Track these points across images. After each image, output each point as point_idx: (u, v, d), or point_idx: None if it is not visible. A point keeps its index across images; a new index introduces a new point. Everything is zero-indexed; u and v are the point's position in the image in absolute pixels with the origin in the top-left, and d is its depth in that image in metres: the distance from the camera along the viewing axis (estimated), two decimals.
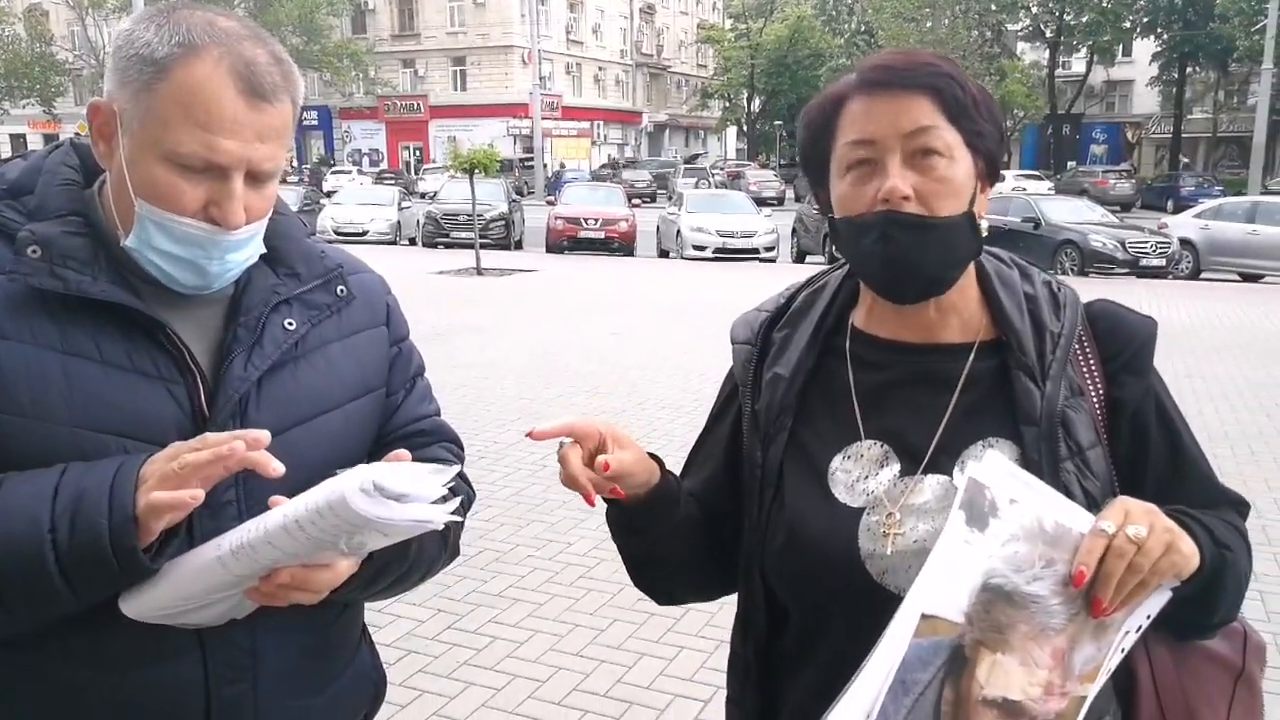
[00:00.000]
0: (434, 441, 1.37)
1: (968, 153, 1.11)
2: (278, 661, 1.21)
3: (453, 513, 1.05)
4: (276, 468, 1.02)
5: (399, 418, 1.35)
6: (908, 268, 1.11)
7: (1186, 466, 1.18)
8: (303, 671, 1.25)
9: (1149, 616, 1.03)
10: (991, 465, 0.98)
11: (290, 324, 1.22)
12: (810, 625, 1.20)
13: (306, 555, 1.05)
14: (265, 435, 1.03)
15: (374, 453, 1.30)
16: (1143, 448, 1.16)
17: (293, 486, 1.14)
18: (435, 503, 1.04)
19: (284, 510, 1.03)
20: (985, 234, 1.16)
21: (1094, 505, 1.08)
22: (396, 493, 1.01)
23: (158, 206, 1.09)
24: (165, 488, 0.99)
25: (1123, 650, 1.03)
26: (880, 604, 1.03)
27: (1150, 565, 0.96)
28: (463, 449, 1.43)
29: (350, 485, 0.98)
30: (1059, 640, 0.99)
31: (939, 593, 0.96)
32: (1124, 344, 1.17)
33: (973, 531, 0.96)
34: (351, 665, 1.35)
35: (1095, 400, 1.15)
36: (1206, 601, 1.09)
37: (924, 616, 0.95)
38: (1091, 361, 1.17)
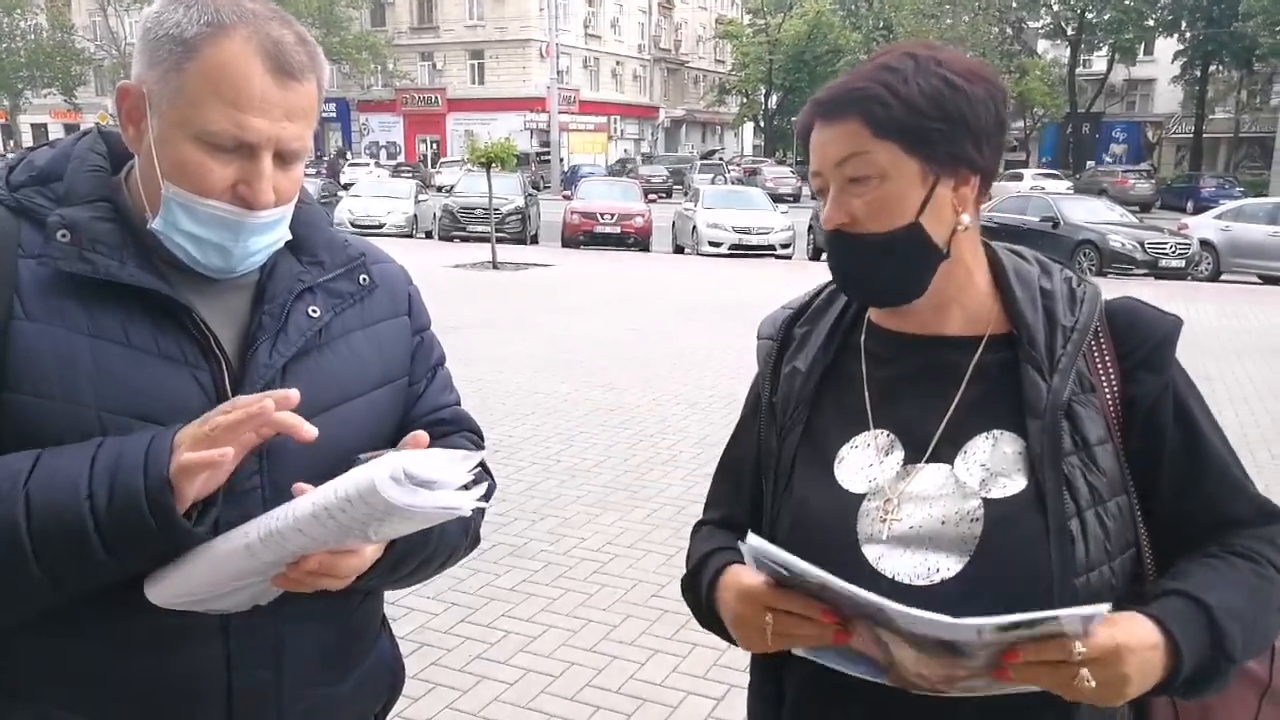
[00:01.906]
0: (455, 431, 1.38)
1: (910, 160, 1.11)
2: (300, 650, 1.22)
3: (477, 500, 1.06)
4: (309, 431, 1.05)
5: (420, 407, 1.36)
6: (860, 281, 1.19)
7: (1206, 469, 1.15)
8: (325, 660, 1.26)
9: None
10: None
11: (314, 311, 1.23)
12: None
13: (335, 542, 1.06)
14: (294, 394, 1.05)
15: (396, 441, 1.30)
16: (1157, 447, 1.14)
17: (317, 473, 1.15)
18: (460, 489, 1.05)
19: (312, 498, 1.04)
20: (963, 228, 1.15)
21: (1098, 498, 1.10)
22: (425, 479, 1.01)
23: (185, 188, 1.10)
24: (197, 449, 1.01)
25: None
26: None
27: (1078, 697, 0.97)
28: (483, 438, 1.44)
29: (380, 473, 0.99)
30: (954, 670, 1.01)
31: (918, 620, 0.97)
32: (1141, 340, 1.16)
33: (992, 633, 0.96)
34: (372, 654, 1.36)
35: (1109, 397, 1.15)
36: (1189, 696, 1.09)
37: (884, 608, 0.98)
38: (1107, 357, 1.16)
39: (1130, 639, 0.98)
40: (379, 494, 0.98)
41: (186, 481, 1.02)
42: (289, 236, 1.21)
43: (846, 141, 1.12)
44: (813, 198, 1.27)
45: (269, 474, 1.15)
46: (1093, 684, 0.94)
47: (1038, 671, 0.96)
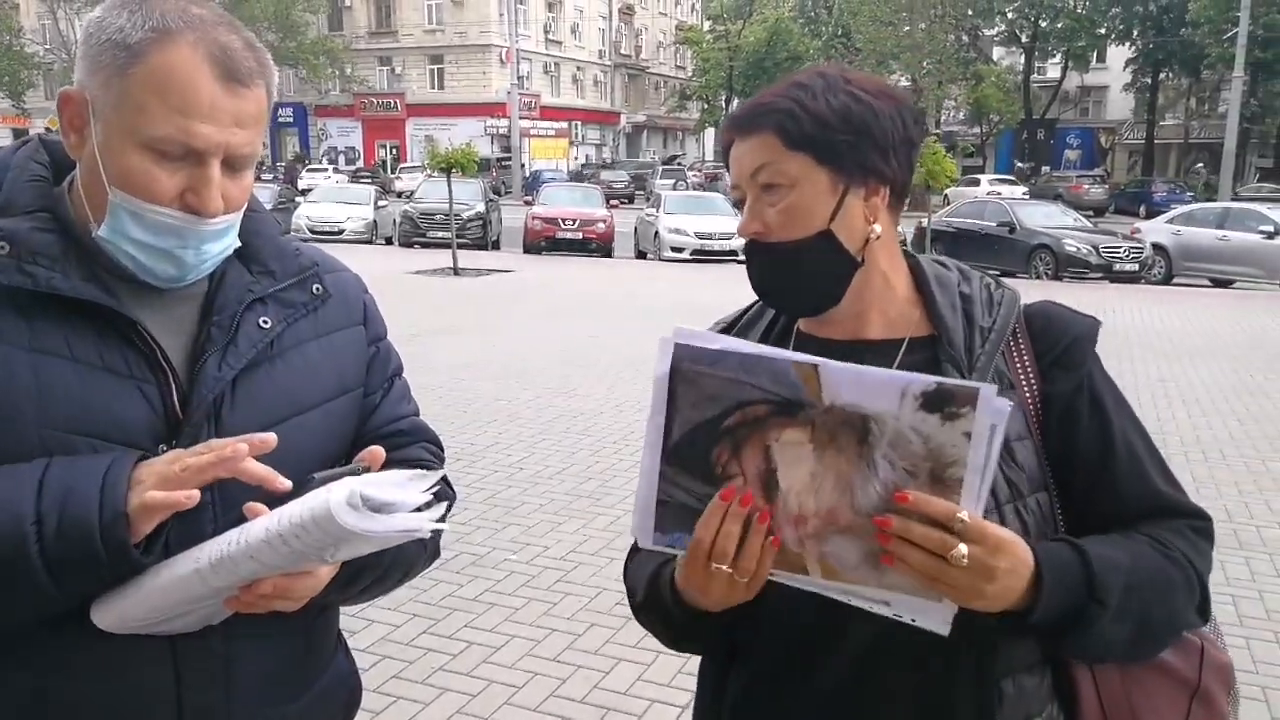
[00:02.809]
0: (413, 442, 1.36)
1: (822, 171, 1.16)
2: (252, 668, 1.19)
3: (437, 520, 1.04)
4: (282, 483, 1.03)
5: (377, 418, 1.33)
6: (777, 290, 1.24)
7: (1118, 464, 1.18)
8: (278, 678, 1.23)
9: (903, 617, 1.03)
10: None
11: (265, 322, 1.20)
12: (747, 610, 1.16)
13: (289, 566, 1.04)
14: (271, 438, 1.04)
15: (352, 454, 1.28)
16: (1071, 442, 1.18)
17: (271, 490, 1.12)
18: (420, 509, 1.03)
19: (265, 523, 1.01)
20: (876, 236, 1.19)
21: (1017, 494, 1.14)
22: (381, 502, 0.99)
23: (133, 195, 1.07)
24: (164, 489, 0.99)
25: (872, 607, 1.03)
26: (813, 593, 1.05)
27: (940, 576, 0.97)
28: (442, 449, 1.41)
29: (336, 499, 0.97)
30: (843, 508, 0.99)
31: (849, 373, 0.97)
32: (1055, 340, 1.21)
33: (911, 404, 0.95)
34: (329, 671, 1.33)
35: (1029, 395, 1.19)
36: (1061, 643, 1.10)
37: (815, 365, 0.98)
38: (1025, 357, 1.21)
39: (1011, 542, 1.00)
40: (335, 520, 0.96)
41: (145, 520, 1.01)
42: (238, 244, 1.18)
43: (760, 153, 1.17)
44: (735, 206, 1.30)
45: (220, 490, 1.12)
46: (965, 561, 0.96)
47: (918, 531, 0.96)
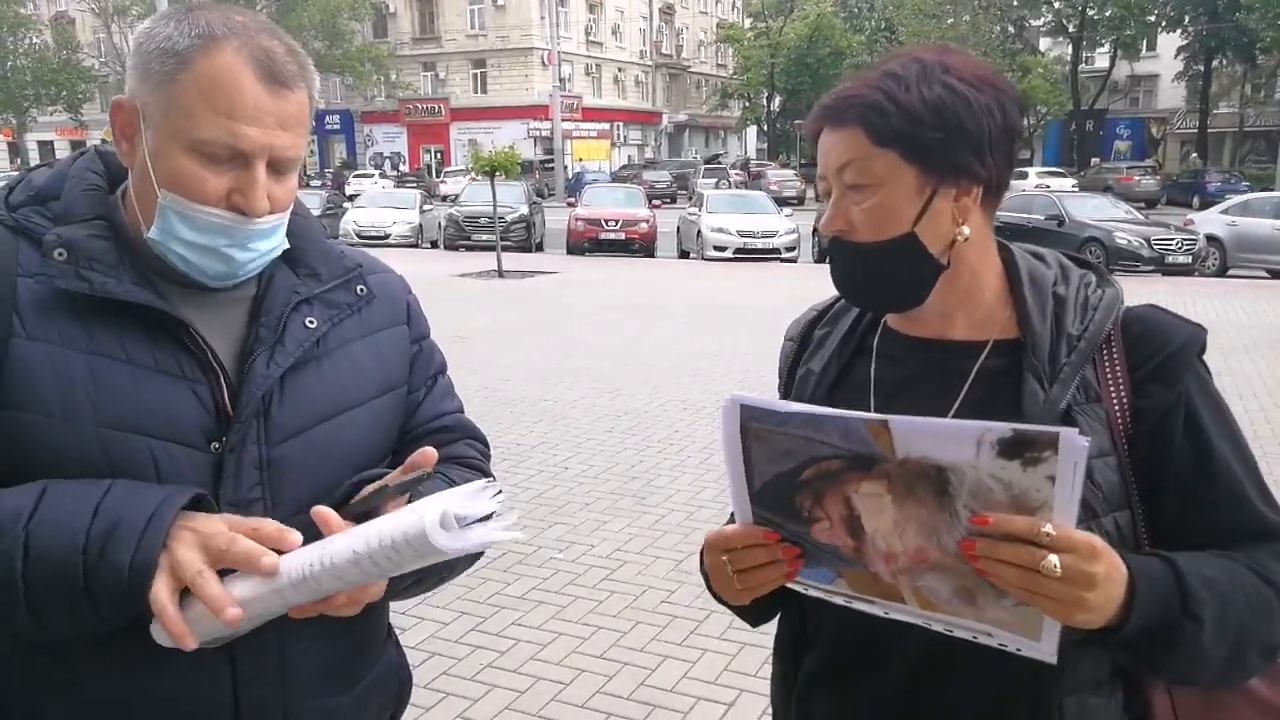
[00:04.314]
0: (459, 438, 1.39)
1: (909, 169, 1.11)
2: (307, 661, 1.22)
3: (507, 528, 1.06)
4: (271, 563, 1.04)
5: (421, 414, 1.36)
6: (857, 288, 1.22)
7: (1215, 487, 1.11)
8: (332, 671, 1.26)
9: (998, 642, 1.00)
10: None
11: (311, 322, 1.23)
12: (816, 601, 1.19)
13: (372, 581, 1.07)
14: (295, 537, 1.06)
15: (398, 450, 1.31)
16: (1163, 461, 1.11)
17: (321, 482, 1.16)
18: (488, 517, 1.05)
19: (351, 543, 1.03)
20: (963, 238, 1.14)
21: (1090, 513, 1.07)
22: (468, 519, 1.02)
23: (182, 196, 1.11)
24: (206, 557, 1.02)
25: (974, 636, 1.01)
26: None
27: (1036, 589, 0.92)
28: (487, 445, 1.44)
29: (430, 520, 0.99)
30: (930, 548, 0.97)
31: (920, 426, 0.95)
32: (1153, 351, 1.13)
33: (989, 453, 0.92)
34: (379, 664, 1.36)
35: (1117, 407, 1.12)
36: (1154, 661, 1.05)
37: (884, 422, 0.95)
38: (1118, 367, 1.13)
39: (1104, 548, 0.95)
40: (429, 542, 0.99)
41: (168, 578, 1.02)
42: (286, 245, 1.21)
43: (847, 148, 1.13)
44: (817, 200, 1.27)
45: (270, 486, 1.16)
46: (1059, 571, 0.91)
47: (1005, 549, 0.92)
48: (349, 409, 1.25)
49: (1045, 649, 0.98)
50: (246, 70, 1.09)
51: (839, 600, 1.06)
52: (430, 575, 1.27)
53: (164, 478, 1.10)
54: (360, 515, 1.11)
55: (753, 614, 1.28)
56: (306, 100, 1.15)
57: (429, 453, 1.15)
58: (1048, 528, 0.91)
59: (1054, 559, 0.91)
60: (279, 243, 1.19)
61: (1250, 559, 1.08)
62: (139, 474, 1.09)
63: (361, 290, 1.31)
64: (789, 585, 1.08)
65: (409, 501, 1.12)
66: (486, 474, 1.35)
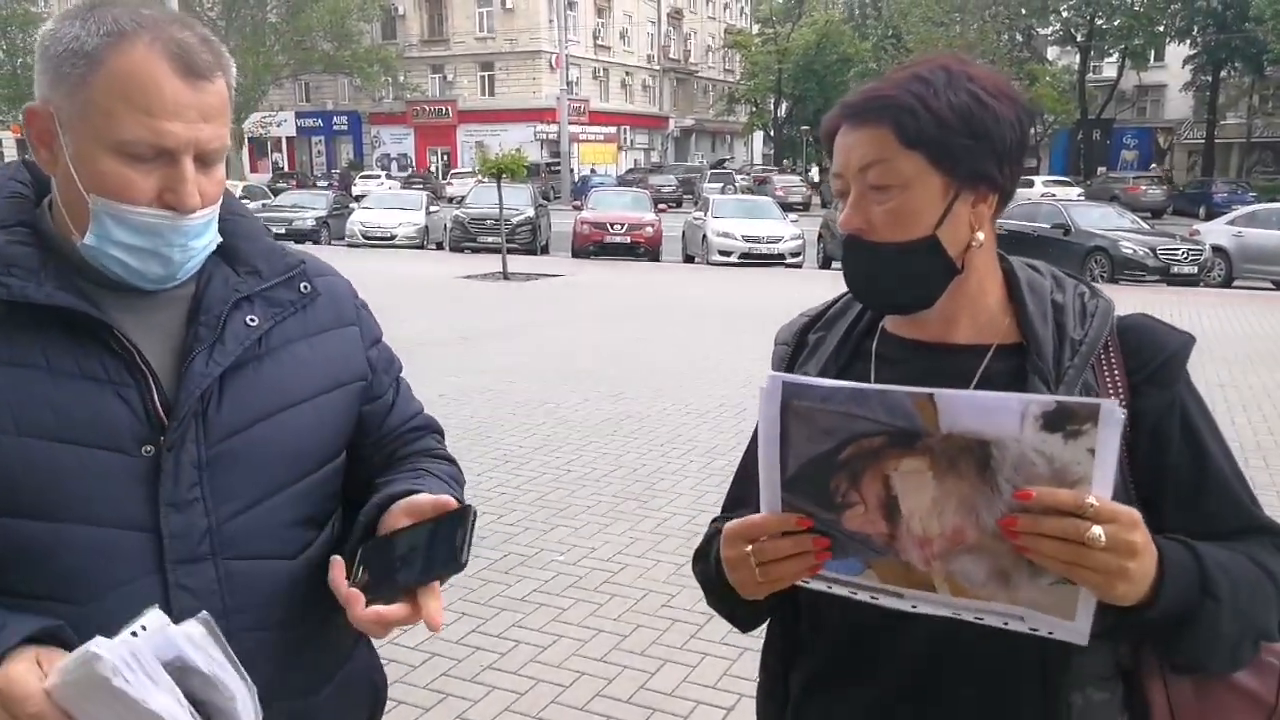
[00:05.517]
0: (427, 433, 1.42)
1: (934, 173, 1.12)
2: (267, 662, 1.17)
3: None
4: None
5: (394, 417, 1.37)
6: (870, 287, 1.21)
7: (1211, 486, 1.15)
8: (294, 670, 1.23)
9: (1031, 627, 1.00)
10: None
11: (253, 320, 1.20)
12: (814, 602, 1.19)
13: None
14: None
15: (373, 453, 1.34)
16: (1161, 462, 1.15)
17: (263, 479, 1.16)
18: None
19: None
20: (977, 244, 1.16)
21: None
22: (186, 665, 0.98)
23: (112, 199, 1.08)
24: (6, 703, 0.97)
25: (1005, 622, 1.01)
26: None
27: (1080, 561, 0.93)
28: (443, 433, 1.48)
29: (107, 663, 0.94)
30: (968, 527, 0.97)
31: (966, 398, 0.96)
32: (1150, 356, 1.17)
33: (1032, 425, 0.93)
34: (348, 664, 1.34)
35: None
36: (1175, 642, 1.07)
37: (930, 395, 0.95)
38: (1117, 373, 1.17)
39: (1142, 522, 0.96)
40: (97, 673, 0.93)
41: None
42: (220, 239, 1.19)
43: (873, 147, 1.13)
44: (824, 205, 1.25)
45: (209, 485, 1.14)
46: (1103, 540, 0.91)
47: (1049, 523, 0.92)
48: (293, 405, 1.22)
49: (1079, 628, 0.98)
50: (162, 65, 1.05)
51: (863, 595, 1.05)
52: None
53: (95, 485, 1.08)
54: (378, 564, 1.14)
55: (751, 617, 1.28)
56: (225, 89, 1.12)
57: (420, 502, 1.16)
58: (1091, 499, 0.92)
59: (1098, 529, 0.92)
60: (213, 237, 1.16)
61: (1246, 550, 1.12)
62: (70, 483, 1.07)
63: (305, 288, 1.28)
64: (807, 583, 1.07)
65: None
66: (451, 460, 1.40)
